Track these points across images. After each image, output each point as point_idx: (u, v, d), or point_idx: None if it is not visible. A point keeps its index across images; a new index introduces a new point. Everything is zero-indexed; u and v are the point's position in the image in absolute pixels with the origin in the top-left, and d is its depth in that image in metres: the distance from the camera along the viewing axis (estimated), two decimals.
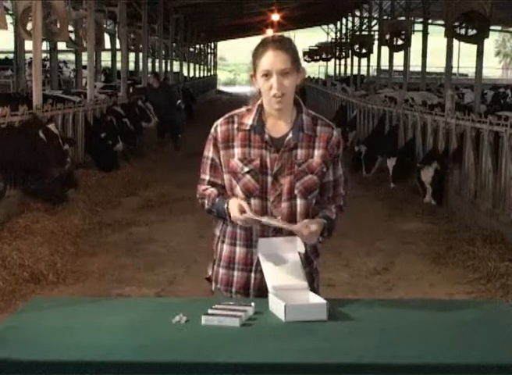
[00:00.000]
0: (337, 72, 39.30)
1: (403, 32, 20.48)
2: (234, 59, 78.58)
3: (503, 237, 8.37)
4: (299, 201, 3.10)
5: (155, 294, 6.54)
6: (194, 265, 7.55)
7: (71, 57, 28.11)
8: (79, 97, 14.37)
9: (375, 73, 26.98)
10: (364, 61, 29.49)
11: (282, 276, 2.98)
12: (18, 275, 6.85)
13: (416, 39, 21.07)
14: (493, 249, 7.97)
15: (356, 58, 30.80)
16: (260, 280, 3.12)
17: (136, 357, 2.47)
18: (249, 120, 3.12)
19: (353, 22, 33.95)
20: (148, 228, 9.32)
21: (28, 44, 13.24)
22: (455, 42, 14.91)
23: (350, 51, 30.84)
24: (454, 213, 10.12)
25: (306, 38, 44.90)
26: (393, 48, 21.38)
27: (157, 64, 26.77)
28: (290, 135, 3.10)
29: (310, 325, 2.73)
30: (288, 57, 3.05)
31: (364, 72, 30.56)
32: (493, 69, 52.54)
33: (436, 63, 29.08)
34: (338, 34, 38.83)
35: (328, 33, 41.49)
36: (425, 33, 20.04)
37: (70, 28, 14.44)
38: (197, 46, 41.15)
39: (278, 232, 3.08)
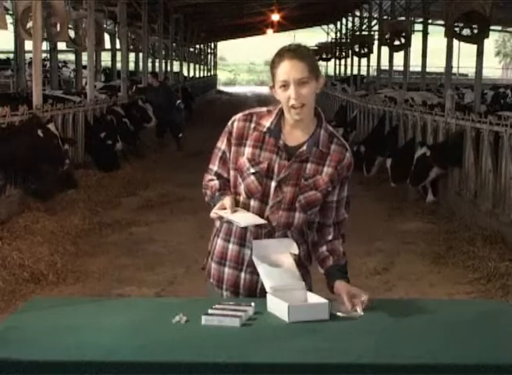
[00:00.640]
0: (337, 72, 39.30)
1: (403, 32, 20.48)
2: (234, 59, 78.57)
3: (503, 237, 8.37)
4: (297, 215, 3.09)
5: (155, 294, 6.54)
6: (194, 265, 7.53)
7: (71, 57, 28.11)
8: (79, 97, 14.38)
9: (375, 73, 26.97)
10: (364, 61, 29.48)
11: (279, 276, 2.98)
12: (18, 275, 6.85)
13: (416, 39, 21.07)
14: (493, 249, 7.97)
15: (356, 58, 30.78)
16: (249, 280, 3.12)
17: (136, 357, 2.47)
18: (267, 122, 3.09)
19: (353, 22, 33.94)
20: (148, 228, 9.32)
21: (28, 44, 13.25)
22: (455, 42, 14.90)
23: (350, 51, 30.83)
24: (454, 213, 10.12)
25: (306, 38, 44.80)
26: (393, 48, 21.37)
27: (157, 64, 26.77)
28: (304, 148, 3.06)
29: (310, 325, 2.73)
30: (305, 65, 2.99)
31: (364, 72, 30.55)
32: (493, 69, 52.52)
33: (436, 63, 29.08)
34: (338, 34, 38.82)
35: (328, 33, 41.49)
36: (425, 33, 20.05)
37: (70, 28, 14.45)
38: (197, 46, 41.14)
39: (272, 234, 3.09)
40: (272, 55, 3.10)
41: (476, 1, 12.59)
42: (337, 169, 3.09)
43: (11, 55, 25.66)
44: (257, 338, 2.63)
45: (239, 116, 3.14)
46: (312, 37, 46.86)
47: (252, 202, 3.08)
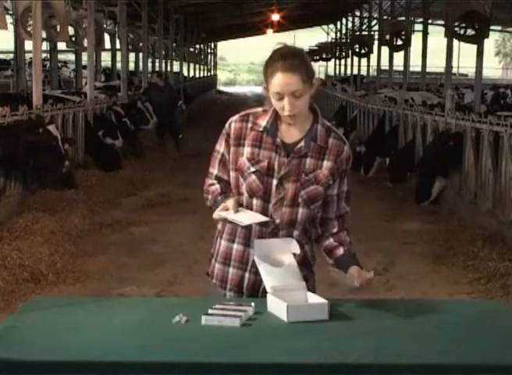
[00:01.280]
0: (337, 72, 39.30)
1: (403, 32, 20.49)
2: (234, 59, 78.60)
3: (503, 237, 8.37)
4: (301, 210, 3.10)
5: (155, 294, 6.54)
6: (195, 265, 7.55)
7: (71, 57, 28.11)
8: (79, 97, 14.39)
9: (375, 73, 26.97)
10: (364, 61, 29.48)
11: (280, 276, 2.98)
12: (18, 275, 6.84)
13: (416, 39, 21.07)
14: (493, 249, 7.97)
15: (356, 58, 30.78)
16: (253, 280, 3.13)
17: (136, 357, 2.47)
18: (263, 122, 3.11)
19: (353, 22, 33.95)
20: (148, 228, 9.32)
21: (28, 44, 13.25)
22: (455, 42, 14.91)
23: (350, 51, 30.83)
24: (454, 213, 10.12)
25: (306, 38, 44.85)
26: (393, 48, 21.38)
27: (157, 64, 26.78)
28: (302, 143, 3.08)
29: (310, 325, 2.73)
30: (298, 78, 2.97)
31: (364, 72, 30.56)
32: (493, 69, 52.52)
33: (436, 63, 29.07)
34: (338, 34, 38.83)
35: (328, 33, 41.50)
36: (425, 33, 20.05)
37: (70, 28, 14.46)
38: (197, 46, 41.15)
39: (276, 233, 3.09)
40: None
41: (476, 1, 12.58)
42: (336, 163, 3.11)
43: (11, 55, 25.66)
44: (257, 338, 2.63)
45: (235, 117, 3.16)
46: (312, 37, 46.91)
47: (255, 201, 3.09)
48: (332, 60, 40.11)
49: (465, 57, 36.63)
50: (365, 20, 30.74)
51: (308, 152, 3.08)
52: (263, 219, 3.02)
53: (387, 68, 24.74)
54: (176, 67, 31.63)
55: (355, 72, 31.75)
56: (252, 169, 3.08)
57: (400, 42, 20.70)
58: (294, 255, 3.07)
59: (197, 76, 41.24)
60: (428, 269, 7.67)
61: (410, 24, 21.99)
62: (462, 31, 13.42)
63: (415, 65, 24.07)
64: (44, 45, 17.34)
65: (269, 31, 39.75)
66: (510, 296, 6.62)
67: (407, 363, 2.46)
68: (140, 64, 24.66)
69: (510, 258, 7.62)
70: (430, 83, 26.06)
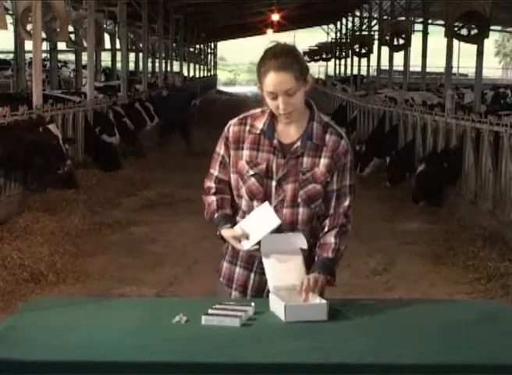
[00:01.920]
0: (337, 72, 39.31)
1: (403, 32, 20.49)
2: (234, 59, 78.59)
3: (503, 237, 8.36)
4: (301, 210, 3.09)
5: (155, 294, 6.53)
6: (195, 265, 7.55)
7: (71, 57, 28.11)
8: (79, 96, 14.39)
9: (375, 73, 26.98)
10: (364, 61, 29.50)
11: (284, 275, 2.98)
12: (18, 275, 6.84)
13: (416, 39, 21.08)
14: (493, 249, 7.96)
15: (356, 58, 30.80)
16: (258, 281, 3.13)
17: (136, 357, 2.47)
18: (260, 124, 3.11)
19: (353, 22, 33.96)
20: (148, 228, 9.32)
21: (28, 44, 13.25)
22: (455, 42, 14.91)
23: (350, 51, 30.84)
24: (454, 213, 10.12)
25: (306, 38, 44.84)
26: (393, 48, 21.39)
27: (157, 64, 26.77)
28: (298, 143, 3.08)
29: (310, 325, 2.73)
30: (291, 76, 2.96)
31: (364, 72, 30.57)
32: (493, 69, 52.52)
33: (436, 63, 29.08)
34: (338, 34, 38.85)
35: (328, 33, 41.52)
36: (425, 33, 20.05)
37: (70, 28, 14.46)
38: (197, 46, 41.16)
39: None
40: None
41: (476, 1, 12.59)
42: (333, 158, 3.09)
43: (11, 55, 25.66)
44: (257, 338, 2.63)
45: (234, 120, 3.16)
46: (312, 37, 46.92)
47: (255, 204, 3.10)
48: (332, 60, 40.15)
49: (465, 57, 36.64)
50: (365, 20, 30.75)
51: (305, 151, 3.08)
52: (274, 224, 2.98)
53: (387, 68, 24.75)
54: (176, 67, 31.63)
55: (355, 72, 31.76)
56: (251, 172, 3.08)
57: (400, 42, 20.71)
58: (302, 250, 3.05)
59: (197, 76, 41.23)
60: (428, 269, 7.67)
61: (410, 24, 21.99)
62: (462, 31, 13.43)
63: (415, 65, 24.08)
64: (44, 45, 17.35)
65: (269, 31, 39.75)
66: (510, 296, 6.62)
67: (407, 363, 2.46)
68: (140, 64, 24.68)
69: (510, 258, 7.61)
70: (430, 83, 26.06)
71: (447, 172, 10.41)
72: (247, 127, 3.12)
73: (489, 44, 35.02)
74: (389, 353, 2.52)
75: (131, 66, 26.01)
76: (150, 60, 25.31)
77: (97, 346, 2.52)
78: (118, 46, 21.31)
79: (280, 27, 37.11)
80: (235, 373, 2.42)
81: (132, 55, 25.59)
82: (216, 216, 3.13)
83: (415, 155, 11.81)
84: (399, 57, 22.48)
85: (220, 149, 3.18)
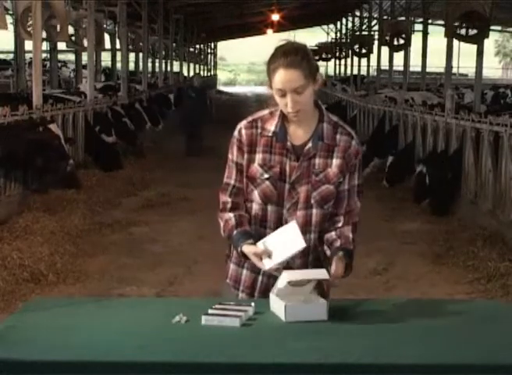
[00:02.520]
0: (337, 72, 39.31)
1: (403, 32, 20.49)
2: (234, 59, 78.54)
3: (503, 237, 8.37)
4: (315, 211, 3.08)
5: (155, 294, 6.54)
6: (194, 265, 7.55)
7: (71, 57, 28.12)
8: (79, 97, 14.40)
9: (375, 73, 26.98)
10: (364, 61, 29.51)
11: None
12: (18, 275, 6.84)
13: (416, 39, 21.09)
14: (493, 249, 7.96)
15: (356, 58, 30.80)
16: (266, 283, 3.12)
17: (136, 357, 2.47)
18: (272, 126, 3.08)
19: (353, 22, 33.96)
20: (148, 228, 9.32)
21: (28, 44, 13.26)
22: (455, 42, 14.92)
23: (350, 51, 30.85)
24: (454, 213, 10.12)
25: (306, 38, 44.46)
26: (393, 48, 21.38)
27: (157, 64, 26.76)
28: (310, 144, 3.06)
29: (310, 325, 2.73)
30: (300, 73, 2.95)
31: (364, 72, 30.57)
32: (493, 69, 52.52)
33: (436, 63, 29.08)
34: (338, 34, 38.86)
35: (328, 33, 41.52)
36: (425, 33, 20.06)
37: (70, 28, 14.46)
38: (197, 46, 41.15)
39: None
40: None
41: (476, 1, 12.59)
42: (345, 159, 3.08)
43: (11, 55, 25.66)
44: (257, 338, 2.63)
45: (243, 123, 3.12)
46: (312, 37, 46.83)
47: (269, 207, 3.08)
48: (332, 60, 40.14)
49: (465, 57, 36.64)
50: (365, 20, 30.75)
51: (317, 153, 3.06)
52: (299, 247, 2.90)
53: (387, 68, 24.75)
54: (176, 67, 31.62)
55: (355, 72, 31.76)
56: (266, 176, 3.06)
57: (400, 42, 20.71)
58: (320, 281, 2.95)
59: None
60: (428, 269, 7.67)
61: (410, 24, 21.99)
62: (462, 31, 13.43)
63: (415, 65, 24.09)
64: (44, 45, 17.35)
65: (269, 31, 39.75)
66: (510, 296, 6.62)
67: (407, 363, 2.46)
68: (140, 64, 24.67)
69: (510, 258, 7.62)
70: (430, 83, 26.07)
71: (447, 172, 10.39)
72: (259, 130, 3.09)
73: (489, 44, 35.04)
74: (389, 353, 2.52)
75: (131, 66, 25.99)
76: (150, 60, 25.30)
77: (97, 346, 2.52)
78: (118, 46, 21.31)
79: (280, 27, 37.11)
80: (235, 373, 2.41)
81: (132, 55, 25.58)
82: (235, 232, 3.06)
83: (415, 156, 11.81)
84: (399, 57, 22.48)
85: (234, 156, 3.11)
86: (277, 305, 2.82)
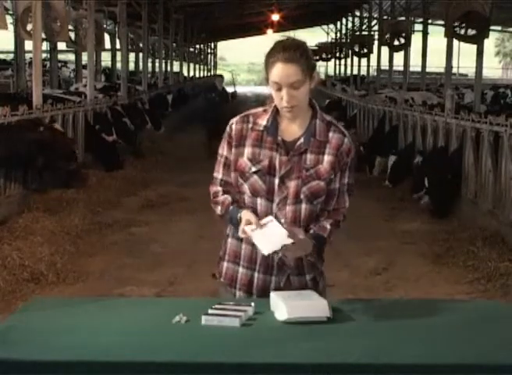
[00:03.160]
0: (337, 72, 39.32)
1: (403, 32, 20.50)
2: (234, 59, 78.56)
3: (503, 237, 8.36)
4: (304, 206, 3.08)
5: (155, 294, 6.53)
6: (194, 265, 7.55)
7: (71, 57, 28.12)
8: (79, 97, 14.41)
9: (375, 73, 26.99)
10: (364, 61, 29.54)
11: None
12: (18, 275, 6.85)
13: (416, 39, 21.10)
14: (493, 249, 7.96)
15: (356, 59, 30.82)
16: (263, 280, 3.12)
17: (136, 357, 2.47)
18: (263, 121, 3.10)
19: (353, 22, 33.98)
20: (148, 228, 9.32)
21: (28, 44, 13.26)
22: (455, 42, 14.92)
23: (350, 51, 30.88)
24: (454, 213, 10.11)
25: (306, 38, 44.48)
26: (393, 48, 21.40)
27: (157, 64, 26.76)
28: (302, 140, 3.07)
29: (310, 325, 2.73)
30: (298, 68, 2.97)
31: (364, 72, 30.59)
32: (493, 69, 52.54)
33: (436, 63, 29.08)
34: (338, 34, 38.87)
35: (328, 33, 41.53)
36: (425, 33, 20.07)
37: (70, 28, 14.47)
38: (197, 46, 41.15)
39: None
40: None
41: (476, 1, 12.59)
42: (337, 156, 3.09)
43: (11, 55, 25.66)
44: (257, 338, 2.63)
45: (236, 118, 3.15)
46: (312, 37, 46.77)
47: (258, 201, 3.08)
48: (332, 60, 40.16)
49: (465, 57, 36.65)
50: (365, 20, 30.78)
51: (308, 148, 3.08)
52: (286, 242, 2.92)
53: (387, 68, 24.76)
54: (176, 67, 31.63)
55: (355, 72, 31.77)
56: (254, 169, 3.07)
57: (399, 42, 20.73)
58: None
59: (197, 76, 41.23)
60: (428, 269, 7.67)
61: (410, 24, 22.01)
62: (462, 31, 13.43)
63: (415, 65, 24.09)
64: (44, 45, 17.35)
65: (269, 31, 39.75)
66: (510, 296, 6.62)
67: (406, 363, 2.46)
68: (140, 64, 24.67)
69: (510, 258, 7.62)
70: (430, 83, 26.07)
71: (447, 167, 10.38)
72: (250, 125, 3.11)
73: (489, 44, 35.04)
74: (389, 353, 2.52)
75: (131, 66, 26.00)
76: (150, 60, 25.30)
77: (97, 346, 2.52)
78: (118, 46, 21.33)
79: (280, 27, 37.09)
80: (235, 373, 2.41)
81: (132, 55, 25.59)
82: (232, 207, 3.10)
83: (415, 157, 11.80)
84: (399, 57, 22.49)
85: (223, 150, 3.16)
86: (277, 305, 2.82)
